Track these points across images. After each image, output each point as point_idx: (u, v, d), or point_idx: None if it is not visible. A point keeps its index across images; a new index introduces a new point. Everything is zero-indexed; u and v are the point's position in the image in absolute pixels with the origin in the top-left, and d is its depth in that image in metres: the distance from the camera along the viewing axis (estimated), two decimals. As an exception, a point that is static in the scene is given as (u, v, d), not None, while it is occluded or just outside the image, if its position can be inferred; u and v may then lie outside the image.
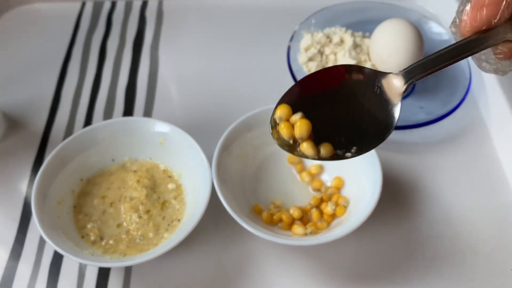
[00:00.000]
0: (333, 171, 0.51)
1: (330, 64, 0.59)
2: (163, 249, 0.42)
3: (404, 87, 0.36)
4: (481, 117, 0.59)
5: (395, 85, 0.36)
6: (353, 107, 0.36)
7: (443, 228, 0.50)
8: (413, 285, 0.46)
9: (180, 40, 0.68)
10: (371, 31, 0.59)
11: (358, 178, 0.49)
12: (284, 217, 0.48)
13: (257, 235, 0.43)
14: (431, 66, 0.35)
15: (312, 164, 0.52)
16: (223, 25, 0.70)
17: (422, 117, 0.55)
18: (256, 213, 0.49)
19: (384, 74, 0.36)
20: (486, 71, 0.38)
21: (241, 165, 0.51)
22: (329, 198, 0.49)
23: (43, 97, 0.61)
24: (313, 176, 0.52)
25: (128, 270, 0.47)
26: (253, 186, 0.51)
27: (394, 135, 0.57)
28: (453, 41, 0.35)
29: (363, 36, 0.62)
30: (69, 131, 0.58)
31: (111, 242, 0.46)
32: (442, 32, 0.63)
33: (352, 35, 0.61)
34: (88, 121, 0.59)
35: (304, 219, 0.48)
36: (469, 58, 0.36)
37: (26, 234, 0.50)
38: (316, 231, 0.47)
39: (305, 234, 0.46)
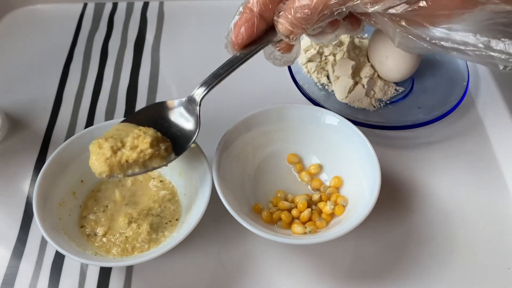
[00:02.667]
0: (332, 170, 0.52)
1: (329, 66, 0.59)
2: (164, 249, 0.42)
3: (196, 107, 0.46)
4: (479, 117, 0.59)
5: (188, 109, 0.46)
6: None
7: (441, 227, 0.50)
8: (412, 283, 0.46)
9: (181, 40, 0.69)
10: (369, 33, 0.59)
11: (356, 178, 0.49)
12: (283, 216, 0.48)
13: (257, 234, 0.43)
14: (212, 81, 0.45)
15: (311, 164, 0.52)
16: (223, 26, 0.70)
17: (420, 117, 0.55)
18: (256, 213, 0.49)
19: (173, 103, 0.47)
20: (277, 65, 0.48)
21: (241, 165, 0.51)
22: (328, 198, 0.50)
23: (45, 98, 0.62)
24: (312, 176, 0.52)
25: (129, 270, 0.47)
26: (253, 186, 0.51)
27: (393, 134, 0.57)
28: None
29: (362, 37, 0.62)
30: (71, 131, 0.58)
31: (112, 240, 0.47)
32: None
33: (350, 36, 0.61)
34: (89, 121, 0.59)
35: (304, 216, 0.48)
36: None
37: (28, 233, 0.50)
38: (315, 230, 0.47)
39: (305, 233, 0.47)
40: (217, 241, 0.49)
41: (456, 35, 0.38)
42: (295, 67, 0.59)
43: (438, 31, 0.38)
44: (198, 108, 0.46)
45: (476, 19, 0.37)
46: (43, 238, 0.49)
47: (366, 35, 0.62)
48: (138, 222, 0.47)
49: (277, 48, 0.46)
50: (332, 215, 0.49)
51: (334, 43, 0.60)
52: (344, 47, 0.59)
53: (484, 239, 0.49)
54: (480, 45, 0.38)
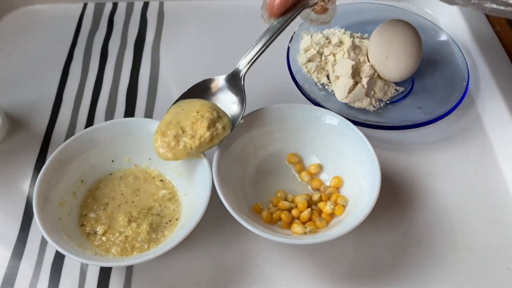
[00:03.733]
0: (332, 170, 0.52)
1: (329, 66, 0.59)
2: (164, 249, 0.42)
3: (242, 80, 0.49)
4: (479, 117, 0.59)
5: (234, 84, 0.49)
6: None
7: (441, 227, 0.50)
8: (412, 283, 0.46)
9: (181, 40, 0.69)
10: (370, 32, 0.59)
11: (357, 178, 0.49)
12: (283, 216, 0.48)
13: (257, 234, 0.43)
14: (255, 52, 0.48)
15: (311, 164, 0.52)
16: (223, 25, 0.71)
17: (420, 117, 0.55)
18: (256, 213, 0.49)
19: (222, 78, 0.50)
20: (314, 25, 0.50)
21: (241, 165, 0.51)
22: (328, 198, 0.50)
23: (45, 98, 0.61)
24: (312, 176, 0.52)
25: (129, 269, 0.47)
26: (253, 185, 0.51)
27: (393, 134, 0.57)
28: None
29: (362, 37, 0.62)
30: (71, 131, 0.58)
31: (112, 239, 0.47)
32: (440, 33, 0.63)
33: (351, 36, 0.61)
34: (89, 121, 0.59)
35: (304, 216, 0.48)
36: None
37: (28, 233, 0.50)
38: (315, 230, 0.47)
39: (305, 233, 0.47)
40: (217, 241, 0.49)
41: None
42: (295, 67, 0.59)
43: None
44: (242, 82, 0.48)
45: None
46: (43, 238, 0.49)
47: (366, 34, 0.62)
48: (138, 221, 0.47)
49: (313, 11, 0.47)
50: (332, 215, 0.49)
51: (334, 43, 0.60)
52: (344, 47, 0.59)
53: (484, 239, 0.49)
54: None
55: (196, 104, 0.48)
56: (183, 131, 0.46)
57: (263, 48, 0.47)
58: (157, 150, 0.47)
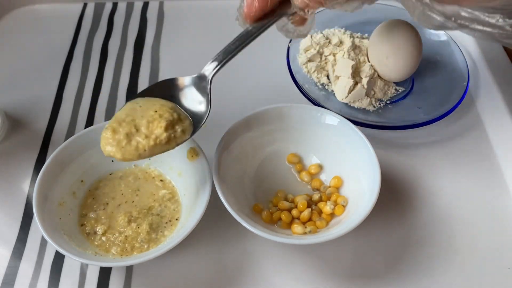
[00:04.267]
0: (332, 170, 0.52)
1: (329, 66, 0.59)
2: (164, 249, 0.42)
3: (209, 81, 0.45)
4: (479, 117, 0.59)
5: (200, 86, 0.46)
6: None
7: (441, 227, 0.50)
8: (412, 283, 0.46)
9: (181, 40, 0.69)
10: (370, 32, 0.59)
11: (357, 178, 0.49)
12: (283, 216, 0.48)
13: (257, 234, 0.43)
14: (223, 57, 0.44)
15: (311, 164, 0.52)
16: (223, 25, 0.70)
17: (420, 117, 0.55)
18: (256, 213, 0.49)
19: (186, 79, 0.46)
20: (289, 37, 0.47)
21: (241, 165, 0.51)
22: (328, 198, 0.50)
23: (45, 98, 0.61)
24: (312, 176, 0.52)
25: (129, 269, 0.47)
26: (253, 185, 0.51)
27: (393, 134, 0.57)
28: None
29: (362, 37, 0.62)
30: (71, 131, 0.58)
31: (112, 239, 0.47)
32: (440, 33, 0.63)
33: (351, 36, 0.61)
34: (90, 121, 0.59)
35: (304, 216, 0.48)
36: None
37: (28, 233, 0.50)
38: (315, 230, 0.47)
39: (305, 233, 0.47)
40: (217, 241, 0.49)
41: (482, 15, 0.36)
42: (295, 67, 0.59)
43: (463, 11, 0.36)
44: (209, 86, 0.45)
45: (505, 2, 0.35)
46: (43, 238, 0.49)
47: (366, 34, 0.62)
48: (137, 221, 0.47)
49: (291, 21, 0.44)
50: (332, 215, 0.48)
51: (334, 43, 0.60)
52: (344, 47, 0.59)
53: (484, 239, 0.49)
54: (508, 28, 0.35)
55: (155, 103, 0.44)
56: (137, 130, 0.42)
57: (234, 54, 0.44)
58: (104, 147, 0.42)
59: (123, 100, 0.61)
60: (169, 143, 0.43)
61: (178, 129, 0.43)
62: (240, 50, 0.44)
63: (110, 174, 0.51)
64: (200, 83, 0.45)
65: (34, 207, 0.44)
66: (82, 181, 0.50)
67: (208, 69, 0.45)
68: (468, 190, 0.53)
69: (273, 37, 0.67)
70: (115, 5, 0.73)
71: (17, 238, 0.49)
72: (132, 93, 0.62)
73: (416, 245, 0.49)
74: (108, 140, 0.42)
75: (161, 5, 0.73)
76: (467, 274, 0.47)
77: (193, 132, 0.44)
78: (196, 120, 0.45)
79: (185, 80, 0.46)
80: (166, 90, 0.45)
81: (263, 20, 0.43)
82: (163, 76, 0.64)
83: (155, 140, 0.42)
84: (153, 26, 0.70)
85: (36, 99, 0.61)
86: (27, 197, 0.52)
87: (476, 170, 0.55)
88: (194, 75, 0.45)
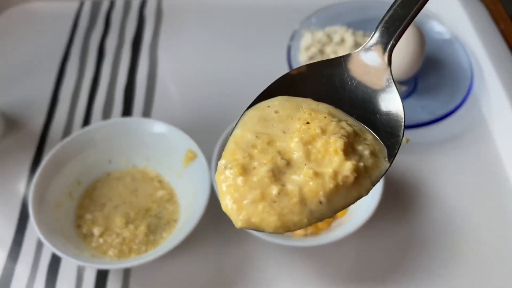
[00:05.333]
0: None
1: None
2: (162, 251, 0.42)
3: (386, 57, 0.28)
4: (483, 117, 0.59)
5: (373, 62, 0.28)
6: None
7: (444, 228, 0.50)
8: (415, 286, 0.46)
9: (180, 39, 0.68)
10: (372, 30, 0.59)
11: (359, 179, 0.48)
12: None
13: (257, 236, 0.43)
14: (404, 15, 0.28)
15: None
16: (223, 24, 0.70)
17: (424, 117, 0.55)
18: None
19: (349, 57, 0.28)
20: None
21: (241, 165, 0.50)
22: (330, 199, 0.49)
23: (41, 97, 0.61)
24: (314, 177, 0.51)
25: (127, 272, 0.47)
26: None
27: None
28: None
29: (364, 35, 0.61)
30: (67, 130, 0.58)
31: (109, 241, 0.46)
32: (443, 31, 0.63)
33: (353, 34, 0.61)
34: (86, 121, 0.59)
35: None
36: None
37: (24, 235, 0.49)
38: (316, 231, 0.47)
39: (306, 235, 0.46)
40: (216, 243, 0.49)
41: None
42: (296, 65, 0.58)
43: None
44: (389, 67, 0.28)
45: None
46: (39, 240, 0.49)
47: (368, 32, 0.62)
48: (135, 222, 0.47)
49: None
50: (333, 217, 0.48)
51: (336, 41, 0.60)
52: (346, 45, 0.59)
53: (488, 240, 0.49)
54: None
55: (298, 107, 0.26)
56: (288, 162, 0.24)
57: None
58: (233, 209, 0.24)
59: (120, 99, 0.61)
60: (359, 182, 0.25)
61: (364, 151, 0.25)
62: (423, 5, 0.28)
63: (108, 174, 0.51)
64: (370, 65, 0.28)
65: (30, 208, 0.44)
66: (78, 181, 0.50)
67: (378, 41, 0.28)
68: (472, 190, 0.53)
69: (273, 35, 0.67)
70: (112, 3, 0.73)
71: (13, 239, 0.49)
72: (129, 92, 0.61)
73: (419, 246, 0.49)
74: (239, 191, 0.24)
75: (159, 3, 0.73)
76: (471, 277, 0.47)
77: (390, 154, 0.27)
78: (383, 133, 0.27)
79: (346, 62, 0.27)
80: (312, 82, 0.27)
81: None
82: (161, 74, 0.63)
83: (335, 179, 0.24)
84: (151, 24, 0.70)
85: (32, 99, 0.61)
86: (23, 198, 0.52)
87: (480, 170, 0.55)
88: (357, 51, 0.28)
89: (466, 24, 0.65)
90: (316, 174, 0.23)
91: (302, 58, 0.60)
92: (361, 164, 0.24)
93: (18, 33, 0.70)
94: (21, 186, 0.53)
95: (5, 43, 0.68)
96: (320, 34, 0.61)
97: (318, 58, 0.59)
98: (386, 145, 0.27)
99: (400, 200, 0.52)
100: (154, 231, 0.47)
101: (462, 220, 0.50)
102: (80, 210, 0.48)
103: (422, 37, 0.55)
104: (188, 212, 0.47)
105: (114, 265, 0.44)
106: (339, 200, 0.24)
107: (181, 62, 0.66)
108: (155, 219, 0.48)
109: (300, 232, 0.46)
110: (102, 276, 0.47)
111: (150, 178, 0.51)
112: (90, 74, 0.64)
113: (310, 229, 0.46)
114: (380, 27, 0.28)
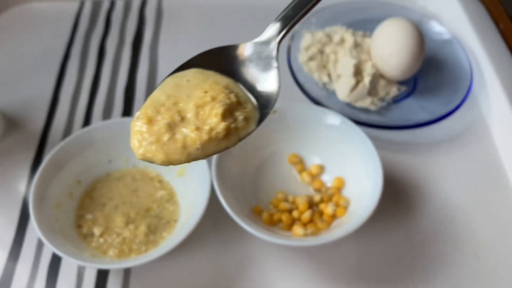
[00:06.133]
0: (334, 171, 0.51)
1: (330, 64, 0.59)
2: (162, 251, 0.42)
3: (275, 48, 0.35)
4: (483, 117, 0.59)
5: (265, 51, 0.36)
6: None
7: (444, 228, 0.50)
8: (415, 285, 0.46)
9: (180, 39, 0.68)
10: (372, 30, 0.59)
11: (358, 179, 0.49)
12: (284, 217, 0.48)
13: (257, 236, 0.43)
14: (292, 16, 0.35)
15: (312, 165, 0.52)
16: (222, 24, 0.70)
17: (423, 117, 0.55)
18: (256, 214, 0.48)
19: (249, 44, 0.36)
20: None
21: (241, 165, 0.51)
22: (330, 199, 0.49)
23: (42, 97, 0.61)
24: (314, 177, 0.51)
25: (127, 272, 0.47)
26: (253, 186, 0.51)
27: (396, 134, 0.56)
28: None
29: (364, 35, 0.61)
30: (67, 130, 0.58)
31: (109, 241, 0.46)
32: (443, 31, 0.63)
33: (353, 34, 0.61)
34: (86, 121, 0.59)
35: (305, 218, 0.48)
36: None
37: (24, 234, 0.49)
38: (316, 231, 0.47)
39: (305, 235, 0.46)
40: (217, 243, 0.49)
41: None
42: (296, 66, 0.59)
43: None
44: (275, 54, 0.35)
45: None
46: (39, 239, 0.49)
47: (368, 32, 0.62)
48: (135, 222, 0.47)
49: None
50: (333, 216, 0.48)
51: (336, 41, 0.60)
52: (346, 45, 0.59)
53: (488, 240, 0.49)
54: None
55: (205, 79, 0.34)
56: (183, 118, 0.32)
57: (309, 7, 0.35)
58: (136, 146, 0.32)
59: (121, 100, 0.61)
60: (229, 138, 0.32)
61: (239, 116, 0.33)
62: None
63: (108, 174, 0.51)
64: (263, 51, 0.35)
65: (30, 208, 0.44)
66: (79, 181, 0.50)
67: (271, 32, 0.35)
68: (471, 189, 0.53)
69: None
70: (112, 3, 0.73)
71: (13, 239, 0.49)
72: (130, 92, 0.62)
73: (419, 246, 0.49)
74: (143, 135, 0.32)
75: (159, 3, 0.73)
76: (471, 276, 0.47)
77: (260, 120, 0.34)
78: (261, 104, 0.34)
79: (246, 48, 0.35)
80: (221, 60, 0.35)
81: None
82: (161, 75, 0.64)
83: (210, 133, 0.32)
84: (152, 24, 0.70)
85: (32, 99, 0.61)
86: (24, 198, 0.52)
87: (479, 170, 0.55)
88: (256, 40, 0.35)
89: (465, 24, 0.65)
90: (198, 129, 0.32)
91: (302, 58, 0.60)
92: (233, 125, 0.32)
93: (18, 33, 0.70)
94: (21, 186, 0.53)
95: (5, 43, 0.68)
96: (320, 34, 0.61)
97: (318, 58, 0.59)
98: (262, 113, 0.34)
99: (400, 200, 0.52)
100: (154, 231, 0.47)
101: (462, 219, 0.50)
102: (81, 210, 0.49)
103: (421, 37, 0.55)
104: (188, 212, 0.47)
105: (114, 265, 0.44)
106: (211, 148, 0.32)
107: (181, 62, 0.65)
108: (155, 219, 0.48)
109: (300, 232, 0.46)
110: (102, 276, 0.47)
111: (150, 178, 0.51)
112: (90, 74, 0.64)
113: (310, 229, 0.46)
114: (273, 24, 0.36)
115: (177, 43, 0.68)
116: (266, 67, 0.35)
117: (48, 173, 0.47)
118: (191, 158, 0.32)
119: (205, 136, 0.32)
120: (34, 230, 0.49)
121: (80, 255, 0.44)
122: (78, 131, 0.50)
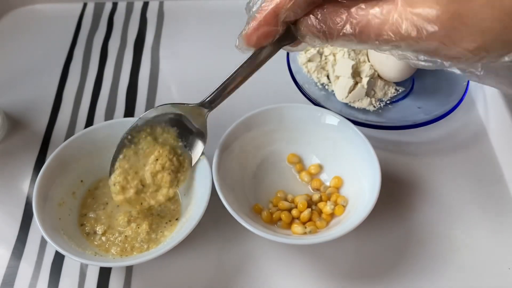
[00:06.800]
0: (332, 170, 0.51)
1: (329, 65, 0.59)
2: (164, 249, 0.42)
3: (206, 115, 0.47)
4: (479, 117, 0.59)
5: (200, 115, 0.47)
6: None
7: (441, 227, 0.50)
8: (412, 284, 0.46)
9: (181, 40, 0.69)
10: (370, 32, 0.59)
11: (357, 178, 0.49)
12: (283, 216, 0.48)
13: (257, 234, 0.43)
14: (224, 95, 0.45)
15: (311, 164, 0.52)
16: (223, 25, 0.70)
17: (420, 117, 0.55)
18: (256, 213, 0.49)
19: (191, 106, 0.47)
20: (286, 49, 0.42)
21: (241, 165, 0.51)
22: (328, 198, 0.49)
23: (45, 98, 0.61)
24: (312, 176, 0.52)
25: (129, 270, 0.47)
26: (253, 185, 0.51)
27: (394, 134, 0.57)
28: None
29: (362, 37, 0.62)
30: (70, 131, 0.58)
31: (112, 239, 0.47)
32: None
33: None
34: (89, 121, 0.59)
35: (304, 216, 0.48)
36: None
37: (28, 233, 0.50)
38: (315, 230, 0.47)
39: (304, 233, 0.46)
40: (217, 241, 0.49)
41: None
42: (295, 67, 0.59)
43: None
44: (206, 121, 0.47)
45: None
46: (42, 238, 0.49)
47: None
48: (137, 221, 0.47)
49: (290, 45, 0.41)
50: (332, 215, 0.48)
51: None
52: (344, 47, 0.59)
53: (484, 239, 0.49)
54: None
55: (156, 147, 0.47)
56: (143, 185, 0.47)
57: (236, 85, 0.46)
58: (116, 198, 0.47)
59: (123, 100, 0.61)
60: (174, 191, 0.48)
61: (181, 177, 0.47)
62: (243, 82, 0.45)
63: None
64: (200, 114, 0.47)
65: (34, 207, 0.44)
66: (81, 181, 0.50)
67: (206, 104, 0.46)
68: (468, 189, 0.53)
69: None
70: (115, 5, 0.73)
71: (16, 238, 0.49)
72: (132, 93, 0.62)
73: (417, 245, 0.49)
74: (119, 197, 0.47)
75: (161, 5, 0.73)
76: (467, 274, 0.47)
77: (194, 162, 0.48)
78: (195, 153, 0.48)
79: (185, 108, 0.47)
80: (167, 113, 0.47)
81: (265, 47, 0.41)
82: (163, 76, 0.64)
83: (165, 196, 0.47)
84: (153, 26, 0.70)
85: (36, 99, 0.61)
86: (27, 197, 0.52)
87: (476, 170, 0.55)
88: (194, 105, 0.46)
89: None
90: (156, 191, 0.47)
91: (301, 59, 0.60)
92: (176, 185, 0.48)
93: (22, 35, 0.70)
94: (25, 186, 0.53)
95: (9, 44, 0.69)
96: (319, 36, 0.61)
97: (317, 60, 0.60)
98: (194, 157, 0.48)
99: (397, 200, 0.52)
100: (156, 229, 0.47)
101: (459, 219, 0.51)
102: (83, 209, 0.49)
103: (419, 39, 0.56)
104: (189, 211, 0.47)
105: (116, 263, 0.44)
106: (164, 201, 0.48)
107: (182, 64, 0.66)
108: (157, 217, 0.48)
109: (299, 230, 0.47)
110: (104, 274, 0.47)
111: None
112: (93, 75, 0.64)
113: (308, 228, 0.47)
114: (209, 98, 0.46)
115: (178, 45, 0.68)
116: (201, 125, 0.47)
117: (51, 173, 0.47)
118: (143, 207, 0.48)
119: (161, 199, 0.47)
120: (37, 228, 0.49)
121: (82, 254, 0.44)
122: (81, 131, 0.50)
